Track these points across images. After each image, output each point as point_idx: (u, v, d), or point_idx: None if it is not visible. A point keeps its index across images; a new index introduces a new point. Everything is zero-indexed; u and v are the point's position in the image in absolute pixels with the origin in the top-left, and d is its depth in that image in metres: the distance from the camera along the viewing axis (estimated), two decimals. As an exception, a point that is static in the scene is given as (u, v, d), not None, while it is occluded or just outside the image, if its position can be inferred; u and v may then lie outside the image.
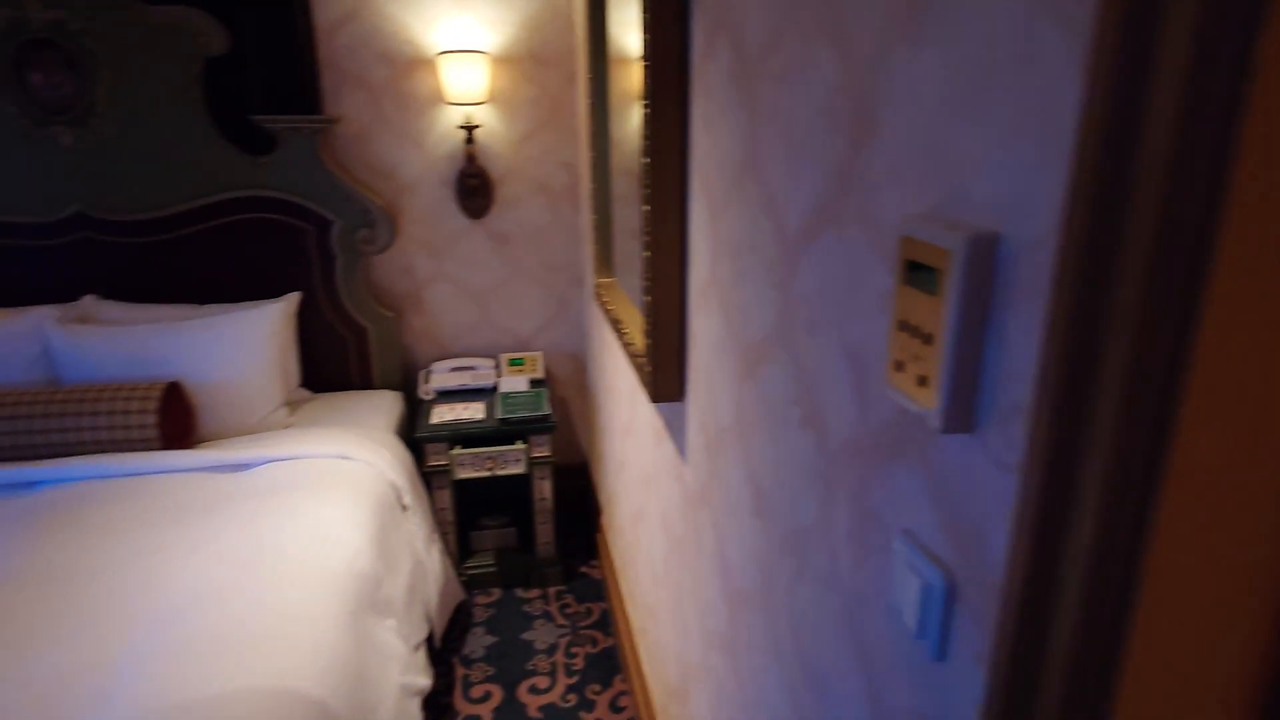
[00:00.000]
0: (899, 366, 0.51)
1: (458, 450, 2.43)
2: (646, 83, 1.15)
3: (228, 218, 2.49)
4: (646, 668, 1.92)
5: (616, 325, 1.64)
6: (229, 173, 2.44)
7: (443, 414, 2.51)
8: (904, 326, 0.50)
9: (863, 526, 0.65)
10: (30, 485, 1.95)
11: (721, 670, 1.16)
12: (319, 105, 2.54)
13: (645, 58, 1.15)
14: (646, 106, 1.17)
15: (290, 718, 1.22)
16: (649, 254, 1.23)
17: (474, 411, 2.53)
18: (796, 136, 0.76)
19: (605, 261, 1.92)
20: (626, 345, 1.53)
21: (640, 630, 1.99)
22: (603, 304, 1.90)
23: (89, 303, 2.37)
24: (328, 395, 2.66)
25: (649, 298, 1.26)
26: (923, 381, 0.48)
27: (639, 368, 1.41)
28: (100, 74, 2.28)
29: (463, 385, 2.71)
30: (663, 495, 1.56)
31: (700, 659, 1.29)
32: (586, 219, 2.44)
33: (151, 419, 2.06)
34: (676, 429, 1.38)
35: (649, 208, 1.20)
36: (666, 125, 1.15)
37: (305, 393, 2.62)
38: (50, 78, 2.27)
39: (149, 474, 2.00)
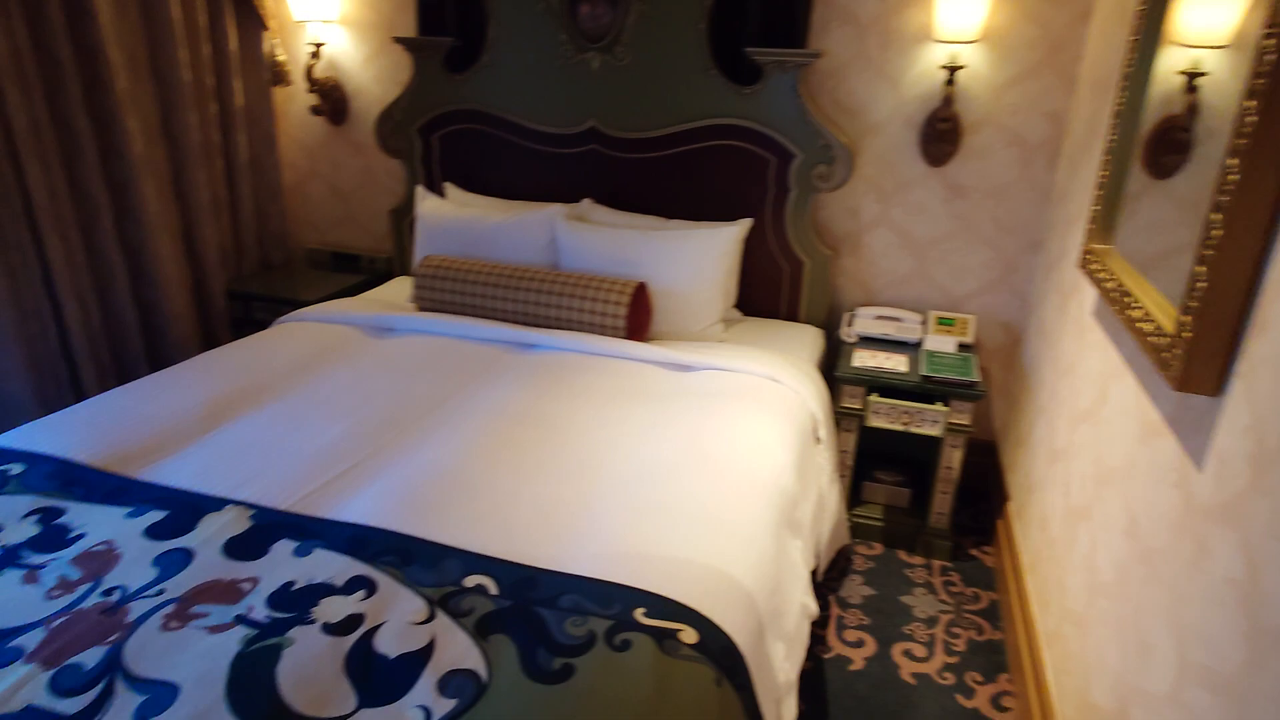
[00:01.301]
0: None
1: (875, 397, 2.41)
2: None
3: (704, 143, 2.71)
4: (1052, 676, 1.74)
5: (1121, 298, 1.43)
6: (715, 101, 2.64)
7: (864, 359, 2.50)
8: None
9: None
10: (530, 346, 2.40)
11: (1209, 713, 0.99)
12: (805, 40, 2.60)
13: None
14: (1272, 36, 0.96)
15: (725, 597, 1.34)
16: (1220, 216, 1.04)
17: (897, 363, 2.47)
18: None
19: (1107, 226, 1.69)
20: (1134, 323, 1.33)
21: (1050, 635, 1.81)
22: (1093, 273, 1.68)
23: (586, 205, 2.80)
24: (756, 320, 2.82)
25: (1202, 268, 1.07)
26: None
27: (1154, 350, 1.22)
28: (632, 6, 2.61)
29: (885, 335, 2.66)
30: (1136, 497, 1.36)
31: (1167, 691, 1.12)
32: (1082, 178, 2.16)
33: (623, 311, 2.38)
34: (1189, 426, 1.18)
35: (1238, 161, 1.00)
36: (1298, 61, 0.94)
37: (737, 313, 2.81)
38: (594, 9, 2.65)
39: (614, 357, 2.32)
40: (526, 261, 2.65)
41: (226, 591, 1.28)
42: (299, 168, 3.36)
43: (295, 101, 3.24)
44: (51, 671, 1.11)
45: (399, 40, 2.91)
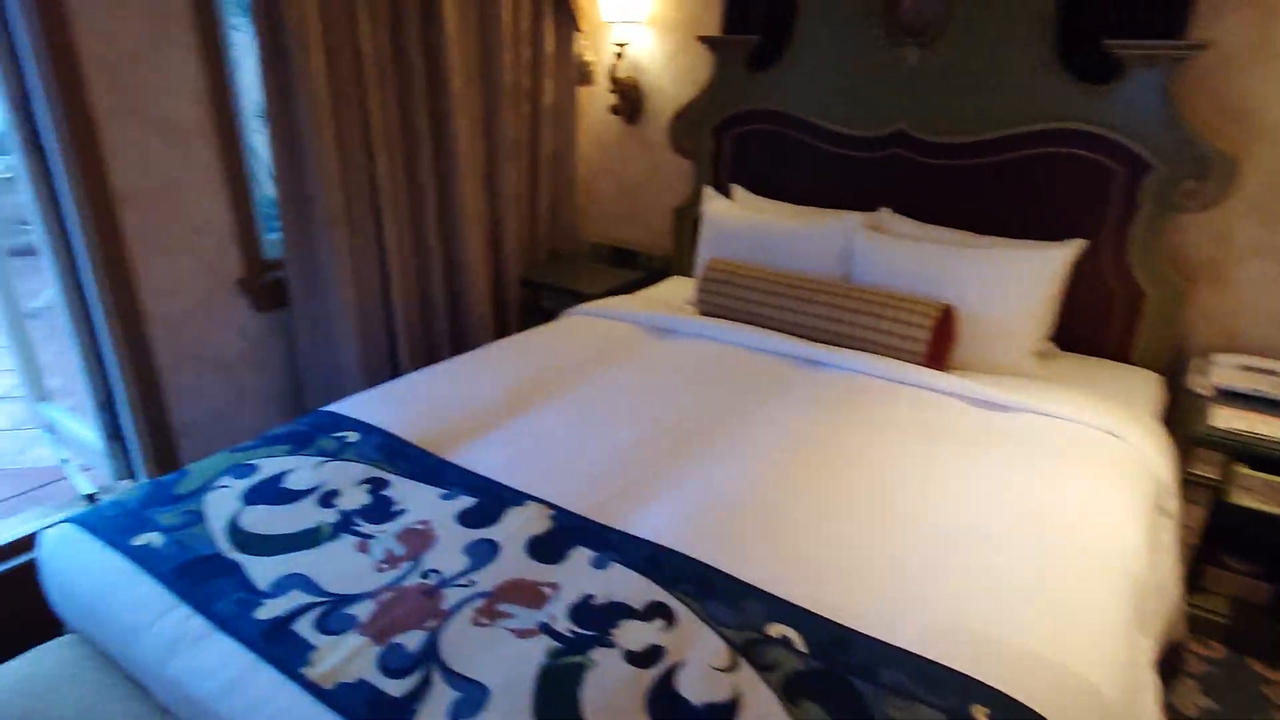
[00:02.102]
0: None
1: (1243, 469, 1.95)
2: None
3: (1033, 150, 2.37)
4: None
5: None
6: (1054, 103, 2.30)
7: (1228, 419, 2.03)
8: None
9: None
10: (816, 364, 2.24)
11: None
12: (1185, 29, 2.16)
13: None
14: None
15: (1081, 707, 1.10)
16: None
17: (1277, 429, 1.98)
18: None
19: None
20: None
21: None
22: None
23: (884, 214, 2.57)
24: (1075, 356, 2.43)
25: None
26: None
27: None
28: (966, -5, 2.34)
29: (1255, 390, 2.15)
30: None
31: None
32: None
33: (924, 335, 2.15)
34: None
35: None
36: None
37: (1052, 346, 2.43)
38: (920, 0, 2.42)
39: (911, 385, 2.09)
40: (816, 272, 2.50)
41: (530, 593, 1.28)
42: (591, 163, 3.48)
43: (595, 100, 3.35)
44: (380, 648, 1.16)
45: (703, 39, 2.87)
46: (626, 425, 1.86)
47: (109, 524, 1.46)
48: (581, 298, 2.99)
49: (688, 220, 3.12)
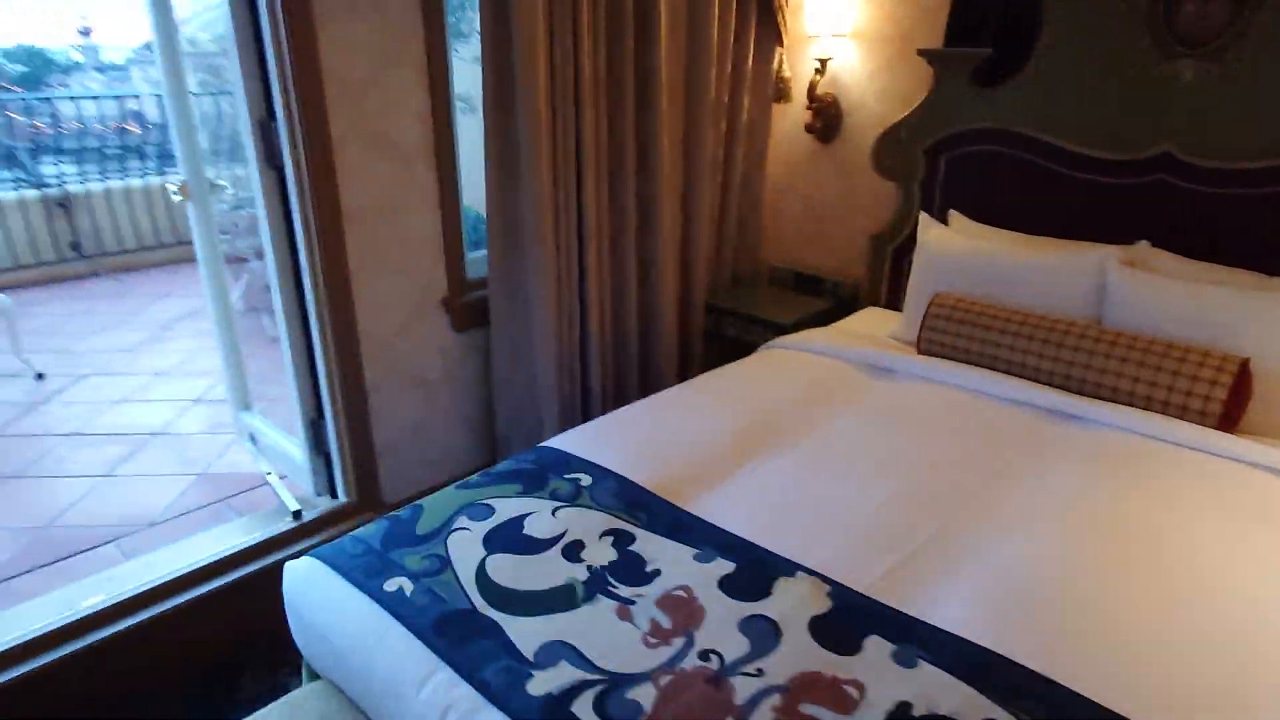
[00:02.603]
0: None
1: None
2: None
3: (1345, 177, 2.02)
4: None
5: None
6: (1383, 122, 1.94)
7: None
8: None
9: None
10: (1073, 418, 1.96)
11: None
12: None
13: None
14: None
15: None
16: None
17: None
18: None
19: None
20: None
21: None
22: None
23: (1144, 249, 2.26)
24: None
25: None
26: None
27: None
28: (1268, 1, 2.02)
29: None
30: None
31: None
32: None
33: (1220, 393, 1.84)
34: None
35: None
36: None
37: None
38: (1205, 6, 2.11)
39: (1197, 450, 1.79)
40: (1057, 311, 2.21)
41: (834, 693, 1.10)
42: (778, 183, 3.30)
43: (788, 118, 3.17)
44: (679, 749, 1.02)
45: (923, 52, 2.65)
46: (876, 480, 1.66)
47: (355, 564, 1.40)
48: (767, 325, 2.82)
49: (887, 247, 2.89)
